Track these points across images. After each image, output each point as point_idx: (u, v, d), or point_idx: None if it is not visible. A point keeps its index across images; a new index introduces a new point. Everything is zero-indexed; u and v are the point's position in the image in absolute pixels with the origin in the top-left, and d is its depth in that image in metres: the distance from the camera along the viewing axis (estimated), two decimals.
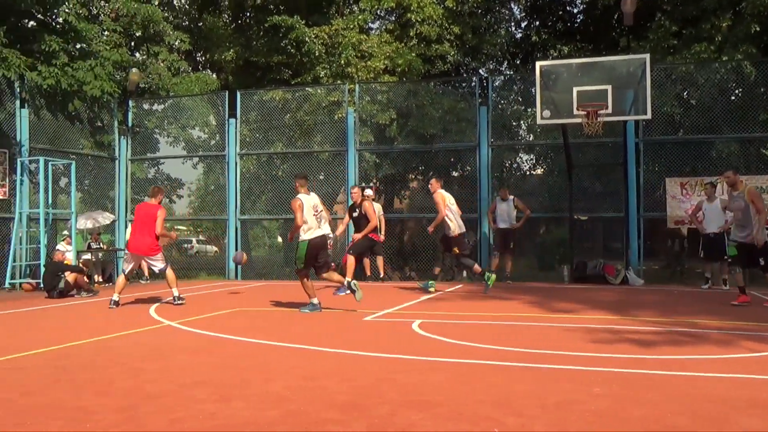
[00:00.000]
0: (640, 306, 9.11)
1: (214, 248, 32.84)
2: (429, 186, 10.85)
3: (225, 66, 18.84)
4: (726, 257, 11.72)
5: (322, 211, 8.49)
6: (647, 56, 11.75)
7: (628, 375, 4.82)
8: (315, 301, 8.60)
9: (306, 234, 8.27)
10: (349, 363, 5.33)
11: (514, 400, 4.09)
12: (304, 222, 8.22)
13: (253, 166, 15.85)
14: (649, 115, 11.54)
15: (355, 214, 11.21)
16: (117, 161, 15.85)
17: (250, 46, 17.71)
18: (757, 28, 13.90)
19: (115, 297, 9.20)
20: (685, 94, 14.38)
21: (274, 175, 15.89)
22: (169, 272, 9.49)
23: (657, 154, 13.61)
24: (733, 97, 14.09)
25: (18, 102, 13.20)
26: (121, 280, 9.46)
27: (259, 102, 15.59)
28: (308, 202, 8.38)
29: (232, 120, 15.32)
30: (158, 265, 9.51)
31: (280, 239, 26.94)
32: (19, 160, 13.03)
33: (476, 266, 10.62)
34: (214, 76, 19.56)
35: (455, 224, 10.43)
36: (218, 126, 16.37)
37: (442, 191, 10.61)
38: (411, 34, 16.83)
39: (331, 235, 9.07)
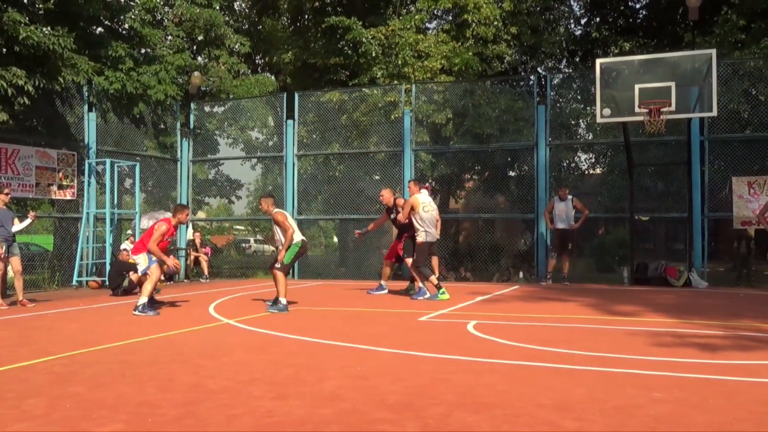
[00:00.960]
0: (704, 309, 8.83)
1: (272, 248, 33.34)
2: (408, 188, 10.28)
3: (283, 68, 19.12)
4: None
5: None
6: (713, 51, 11.38)
7: (691, 380, 4.67)
8: (284, 301, 8.76)
9: (297, 237, 8.88)
10: (403, 363, 5.33)
11: (573, 404, 4.02)
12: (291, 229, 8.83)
13: (310, 167, 16.02)
14: (714, 113, 11.17)
15: (392, 216, 10.88)
16: (179, 162, 16.26)
17: (308, 48, 17.93)
18: None
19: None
20: (753, 90, 13.85)
21: (330, 175, 16.03)
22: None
23: (723, 152, 13.16)
24: None
25: (86, 106, 13.68)
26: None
27: (317, 103, 15.75)
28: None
29: (290, 121, 15.51)
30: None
31: (336, 239, 27.16)
32: (86, 162, 13.50)
33: (432, 278, 9.84)
34: (273, 78, 19.87)
35: (424, 232, 9.78)
36: (276, 127, 16.62)
37: (420, 196, 10.00)
38: (467, 34, 16.74)
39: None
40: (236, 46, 18.00)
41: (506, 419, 3.72)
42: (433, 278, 9.78)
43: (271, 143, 17.15)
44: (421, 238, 9.76)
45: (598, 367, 5.08)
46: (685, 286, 12.15)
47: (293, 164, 15.45)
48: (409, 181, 10.58)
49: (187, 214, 9.04)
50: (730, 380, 4.67)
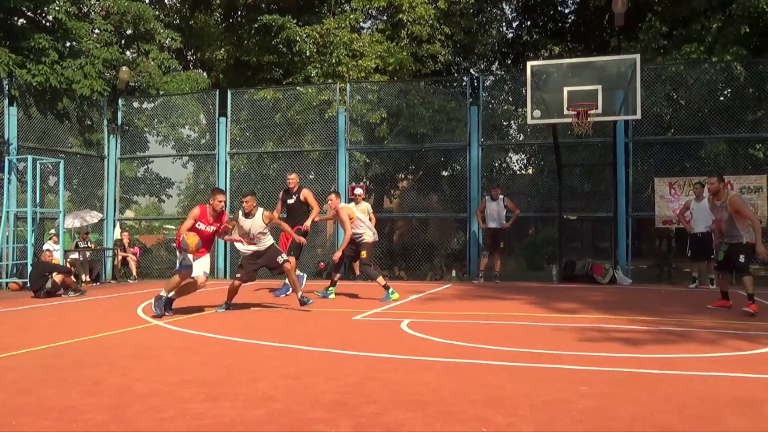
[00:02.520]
0: (628, 305, 9.14)
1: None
2: (328, 202, 10.01)
3: (216, 65, 18.80)
4: (713, 257, 11.82)
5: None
6: (637, 56, 11.80)
7: (617, 374, 4.83)
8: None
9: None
10: (336, 362, 5.31)
11: (504, 399, 4.09)
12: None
13: (243, 165, 15.80)
14: (638, 116, 11.58)
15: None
16: (106, 160, 15.77)
17: (242, 45, 17.67)
18: (747, 30, 13.99)
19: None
20: (674, 94, 14.45)
21: (264, 174, 15.85)
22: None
23: (646, 154, 13.67)
24: (722, 98, 14.16)
25: (6, 100, 13.11)
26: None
27: (250, 101, 15.55)
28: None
29: (223, 119, 15.27)
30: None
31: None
32: (7, 158, 12.93)
33: (380, 279, 9.75)
34: (205, 74, 19.50)
35: (369, 232, 9.76)
36: (208, 125, 16.31)
37: (346, 205, 10.11)
38: (402, 33, 16.84)
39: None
40: (167, 42, 17.59)
41: (439, 416, 3.75)
42: (381, 279, 9.75)
43: (203, 141, 16.82)
44: (370, 238, 9.74)
45: (528, 363, 5.19)
46: (610, 283, 12.55)
47: (226, 162, 15.22)
48: (330, 194, 10.20)
49: (220, 200, 8.38)
50: (652, 373, 4.85)
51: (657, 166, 13.39)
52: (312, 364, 5.20)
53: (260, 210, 8.61)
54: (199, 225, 8.07)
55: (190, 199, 19.31)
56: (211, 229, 8.21)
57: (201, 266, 8.21)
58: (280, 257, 8.62)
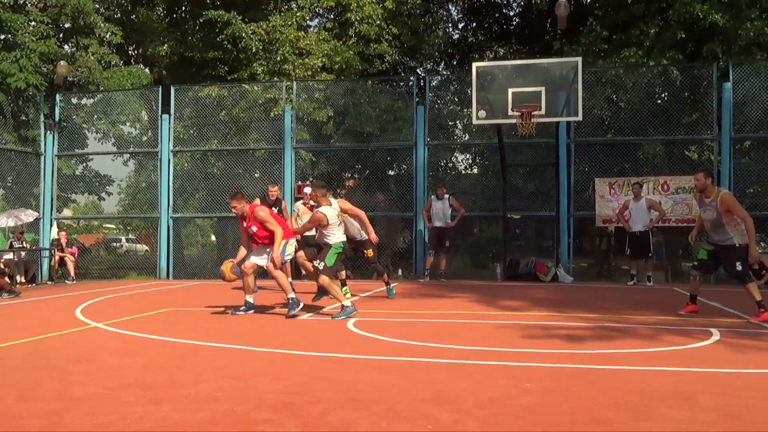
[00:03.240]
0: (569, 303, 9.35)
1: (145, 247, 32.00)
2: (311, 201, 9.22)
3: (158, 60, 18.40)
4: (650, 255, 12.20)
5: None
6: (579, 59, 12.06)
7: (558, 369, 4.93)
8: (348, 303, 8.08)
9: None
10: (281, 362, 5.27)
11: (450, 397, 4.13)
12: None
13: (186, 163, 15.52)
14: (580, 117, 11.84)
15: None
16: (42, 157, 15.27)
17: (185, 41, 17.34)
18: (683, 35, 14.45)
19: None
20: (614, 97, 14.83)
21: (208, 172, 15.60)
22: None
23: (587, 154, 14.00)
24: (659, 101, 14.61)
25: None
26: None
27: (194, 98, 15.28)
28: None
29: (166, 116, 14.97)
30: None
31: (213, 238, 26.47)
32: None
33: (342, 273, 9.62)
34: (147, 70, 19.06)
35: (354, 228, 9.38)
36: (151, 122, 15.96)
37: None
38: (350, 32, 16.80)
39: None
40: (107, 36, 17.13)
41: (385, 415, 3.76)
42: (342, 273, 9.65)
43: (145, 138, 16.45)
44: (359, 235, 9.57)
45: (473, 361, 5.25)
46: (552, 281, 12.81)
47: (168, 160, 14.93)
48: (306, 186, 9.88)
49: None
50: (592, 369, 4.96)
51: (597, 167, 13.73)
52: (257, 365, 5.15)
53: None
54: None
55: (131, 198, 18.84)
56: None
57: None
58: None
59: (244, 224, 8.17)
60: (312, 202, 8.82)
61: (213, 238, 27.57)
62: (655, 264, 12.79)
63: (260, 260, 8.20)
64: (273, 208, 10.57)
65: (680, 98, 14.03)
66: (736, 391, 4.33)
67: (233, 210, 8.22)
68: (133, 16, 19.03)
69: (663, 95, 14.69)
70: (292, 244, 8.29)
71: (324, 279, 7.79)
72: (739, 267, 7.48)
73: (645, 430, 3.49)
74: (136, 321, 7.65)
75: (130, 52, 20.25)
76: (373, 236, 8.79)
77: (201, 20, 16.11)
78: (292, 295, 7.96)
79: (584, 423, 3.60)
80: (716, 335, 6.42)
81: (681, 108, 13.87)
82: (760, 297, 7.48)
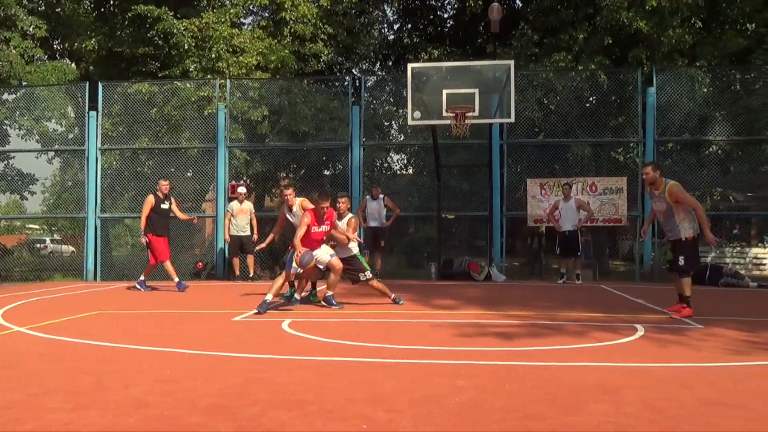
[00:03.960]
0: (502, 301, 9.53)
1: (71, 248, 30.88)
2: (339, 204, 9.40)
3: (86, 55, 17.79)
4: (579, 253, 12.57)
5: None
6: (511, 62, 12.29)
7: (491, 367, 5.02)
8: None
9: None
10: (215, 364, 5.19)
11: (384, 396, 4.15)
12: None
13: (115, 162, 15.07)
14: (512, 119, 12.07)
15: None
16: None
17: (114, 36, 16.82)
18: (610, 41, 14.94)
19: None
20: (545, 99, 15.19)
21: (138, 171, 15.19)
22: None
23: (519, 155, 14.30)
24: (587, 104, 15.05)
25: None
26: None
27: (123, 94, 14.84)
28: None
29: (93, 113, 14.50)
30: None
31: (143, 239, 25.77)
32: None
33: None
34: (74, 65, 18.41)
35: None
36: (77, 119, 15.42)
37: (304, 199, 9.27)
38: (285, 31, 16.65)
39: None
40: (30, 29, 16.46)
41: (320, 415, 3.75)
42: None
43: (71, 136, 15.87)
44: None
45: (406, 360, 5.29)
46: (486, 279, 13.02)
47: (96, 159, 14.48)
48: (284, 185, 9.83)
49: (166, 185, 8.17)
50: (524, 365, 5.07)
51: (529, 168, 14.05)
52: (190, 368, 5.05)
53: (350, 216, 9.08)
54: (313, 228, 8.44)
55: (56, 197, 18.13)
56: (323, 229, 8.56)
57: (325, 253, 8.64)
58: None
59: (307, 220, 8.39)
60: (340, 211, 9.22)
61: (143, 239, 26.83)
62: (583, 262, 13.17)
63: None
64: (164, 204, 10.71)
65: (607, 102, 14.50)
66: (658, 384, 4.51)
67: (322, 208, 8.47)
68: (59, 9, 18.34)
69: (591, 99, 15.15)
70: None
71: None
72: (681, 261, 7.69)
73: (574, 424, 3.59)
74: (61, 324, 7.38)
75: (55, 46, 19.52)
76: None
77: (130, 15, 15.66)
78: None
79: (516, 419, 3.68)
80: (641, 331, 6.66)
81: (608, 111, 14.33)
82: (690, 294, 7.73)
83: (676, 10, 14.26)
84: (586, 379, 4.60)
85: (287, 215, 9.02)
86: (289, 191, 9.00)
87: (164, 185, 11.34)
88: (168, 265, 11.26)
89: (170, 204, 11.35)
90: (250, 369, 4.99)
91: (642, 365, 5.13)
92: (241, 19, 17.97)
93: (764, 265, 16.07)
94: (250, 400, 4.03)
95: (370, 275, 9.05)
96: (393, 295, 8.99)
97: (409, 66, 12.46)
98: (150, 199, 11.18)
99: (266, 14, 18.17)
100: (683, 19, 14.71)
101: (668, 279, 12.40)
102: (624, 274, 15.56)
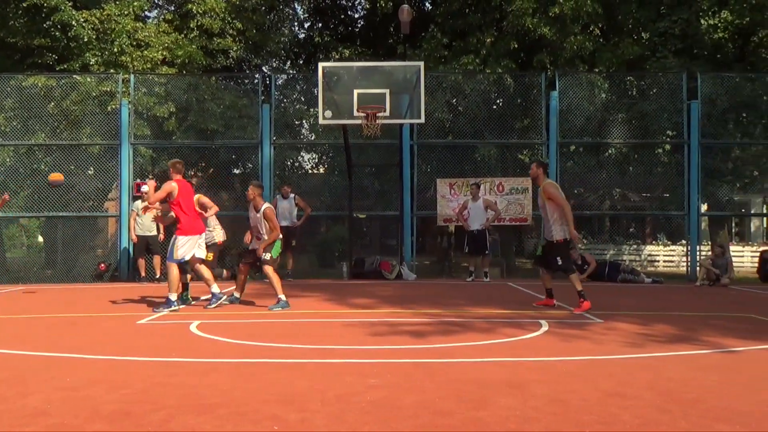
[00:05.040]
0: (413, 299, 9.65)
1: None
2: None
3: None
4: (487, 252, 12.90)
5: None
6: (421, 64, 12.44)
7: (402, 364, 5.08)
8: (283, 297, 8.50)
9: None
10: (119, 370, 5.00)
11: (296, 396, 4.12)
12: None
13: (9, 158, 14.26)
14: (422, 120, 12.24)
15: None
16: None
17: (6, 25, 15.89)
18: (516, 45, 15.39)
19: (173, 297, 8.30)
20: (454, 101, 15.49)
21: (35, 168, 14.41)
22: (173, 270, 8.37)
23: (429, 156, 14.51)
24: (494, 106, 15.45)
25: None
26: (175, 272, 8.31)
27: (17, 87, 14.03)
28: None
29: None
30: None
31: (41, 239, 24.53)
32: None
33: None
34: None
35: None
36: None
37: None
38: (192, 25, 16.22)
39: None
40: None
41: (230, 417, 3.69)
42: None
43: None
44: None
45: (318, 359, 5.28)
46: (397, 278, 13.16)
47: None
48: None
49: None
50: (433, 362, 5.17)
51: (439, 168, 14.29)
52: (91, 374, 4.84)
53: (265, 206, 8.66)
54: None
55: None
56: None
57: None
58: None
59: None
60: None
61: (40, 239, 25.52)
62: (491, 261, 13.53)
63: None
64: None
65: (513, 104, 14.94)
66: (563, 377, 4.70)
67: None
68: None
69: (498, 101, 15.56)
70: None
71: (268, 271, 8.56)
72: (559, 261, 8.16)
73: (483, 419, 3.68)
74: None
75: None
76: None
77: (25, 5, 14.83)
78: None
79: (427, 415, 3.74)
80: (545, 326, 6.90)
81: (514, 113, 14.77)
82: (581, 288, 8.15)
83: (578, 17, 14.86)
84: (495, 375, 4.73)
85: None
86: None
87: None
88: None
89: None
90: (157, 373, 4.84)
91: (547, 359, 5.32)
92: (146, 12, 17.37)
93: (658, 261, 17.02)
94: (156, 406, 3.92)
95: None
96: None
97: (320, 65, 12.41)
98: None
99: (172, 8, 17.66)
100: (584, 26, 15.34)
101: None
102: (530, 271, 16.07)
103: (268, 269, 8.57)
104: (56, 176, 10.65)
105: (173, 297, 8.26)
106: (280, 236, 8.77)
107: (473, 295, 10.19)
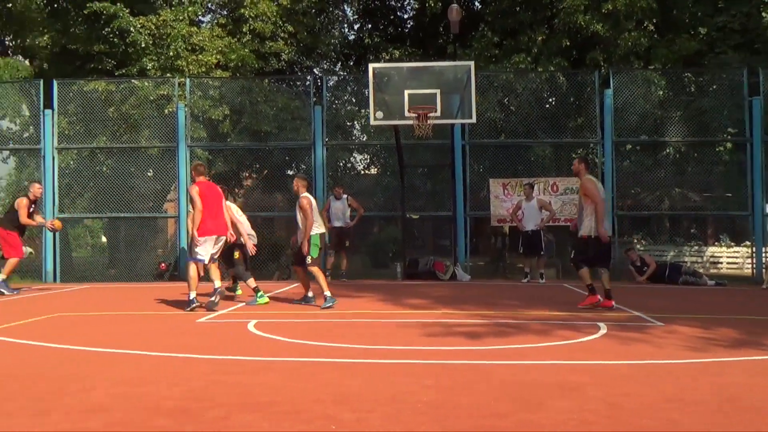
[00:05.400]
0: (467, 300, 9.59)
1: (29, 249, 30.12)
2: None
3: (39, 52, 17.37)
4: (542, 253, 12.73)
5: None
6: (472, 63, 12.32)
7: (457, 366, 5.05)
8: (329, 293, 8.59)
9: (317, 229, 8.71)
10: (179, 367, 5.11)
11: (350, 396, 4.14)
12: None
13: (73, 161, 14.74)
14: (474, 119, 12.13)
15: None
16: None
17: (68, 33, 16.44)
18: (568, 43, 15.15)
19: (193, 295, 8.32)
20: (506, 100, 15.34)
21: (97, 170, 14.88)
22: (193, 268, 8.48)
23: (481, 156, 14.41)
24: (547, 105, 15.24)
25: None
26: (194, 272, 8.47)
27: (80, 92, 14.52)
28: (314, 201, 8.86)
29: (49, 111, 14.17)
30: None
31: (104, 239, 25.27)
32: None
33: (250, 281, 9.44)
34: (27, 62, 17.95)
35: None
36: (32, 117, 15.05)
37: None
38: (244, 29, 16.50)
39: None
40: None
41: (286, 416, 3.73)
42: (252, 281, 9.41)
43: (26, 134, 15.50)
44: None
45: (372, 360, 5.29)
46: (451, 279, 13.09)
47: (53, 158, 14.14)
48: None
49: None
50: (489, 364, 5.12)
51: (491, 168, 14.16)
52: (153, 370, 4.97)
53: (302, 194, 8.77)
54: None
55: (11, 197, 17.72)
56: None
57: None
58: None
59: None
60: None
61: (104, 239, 26.27)
62: (546, 261, 13.34)
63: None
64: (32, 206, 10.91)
65: (566, 103, 14.70)
66: (621, 381, 4.60)
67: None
68: (10, 5, 17.86)
69: (551, 100, 15.35)
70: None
71: (313, 270, 8.69)
72: (572, 254, 8.43)
73: (537, 421, 3.63)
74: (19, 327, 7.19)
75: (7, 42, 19.02)
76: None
77: (85, 12, 15.32)
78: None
79: (482, 416, 3.71)
80: (603, 329, 6.77)
81: (567, 112, 14.54)
82: (590, 282, 8.31)
83: (631, 13, 14.54)
84: (550, 377, 4.66)
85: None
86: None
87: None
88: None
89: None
90: (215, 371, 4.93)
91: (604, 363, 5.22)
92: (200, 17, 17.75)
93: (721, 263, 16.48)
94: (214, 403, 3.99)
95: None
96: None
97: (371, 66, 12.41)
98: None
99: (225, 12, 17.99)
100: (638, 22, 15.00)
101: (628, 278, 12.71)
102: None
103: (313, 269, 8.70)
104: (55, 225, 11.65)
105: (192, 295, 8.34)
106: (319, 233, 8.76)
107: (528, 297, 10.06)
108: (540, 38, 15.61)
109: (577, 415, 3.73)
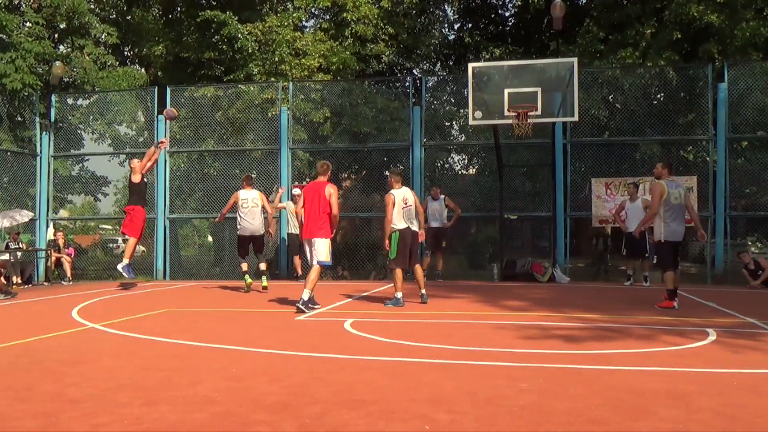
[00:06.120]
0: (566, 303, 9.35)
1: (141, 248, 31.91)
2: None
3: (154, 61, 18.39)
4: (647, 255, 12.23)
5: (411, 205, 8.99)
6: (575, 60, 12.03)
7: (555, 370, 4.94)
8: (399, 295, 8.82)
9: (396, 226, 8.85)
10: (279, 363, 5.27)
11: (445, 397, 4.13)
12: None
13: (183, 164, 15.51)
14: (576, 117, 11.82)
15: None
16: (38, 158, 15.24)
17: (181, 41, 17.33)
18: (679, 36, 14.49)
19: (306, 295, 8.26)
20: (610, 97, 14.85)
21: (205, 173, 15.58)
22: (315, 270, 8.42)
23: (583, 155, 14.00)
24: (655, 101, 14.63)
25: None
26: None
27: (190, 98, 15.26)
28: (399, 196, 8.90)
29: (162, 116, 14.96)
30: (318, 256, 8.36)
31: (210, 238, 26.40)
32: None
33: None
34: (143, 71, 19.03)
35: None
36: (147, 122, 15.94)
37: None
38: (346, 33, 16.81)
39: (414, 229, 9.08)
40: (103, 36, 17.11)
41: (382, 415, 3.76)
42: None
43: (141, 139, 16.44)
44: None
45: (469, 361, 5.25)
46: (549, 281, 12.82)
47: (165, 161, 14.91)
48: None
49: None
50: (588, 369, 4.97)
51: (593, 167, 13.74)
52: (254, 366, 5.15)
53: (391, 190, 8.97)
54: None
55: (127, 198, 18.88)
56: None
57: None
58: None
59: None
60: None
61: (210, 238, 27.48)
62: (651, 264, 12.80)
63: None
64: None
65: (676, 99, 14.05)
66: (731, 390, 4.35)
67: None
68: (129, 17, 19.02)
69: (659, 96, 14.72)
70: None
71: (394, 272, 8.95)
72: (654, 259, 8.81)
73: (640, 430, 3.50)
74: (132, 322, 7.64)
75: (125, 52, 20.24)
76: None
77: (197, 20, 16.09)
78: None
79: (580, 423, 3.61)
80: (712, 335, 6.43)
81: (677, 108, 13.89)
82: (671, 287, 8.36)
83: (750, 2, 13.72)
84: (654, 384, 4.47)
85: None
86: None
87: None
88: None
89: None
90: (313, 368, 5.05)
91: (713, 371, 4.95)
92: (303, 22, 18.23)
93: None
94: (313, 399, 4.09)
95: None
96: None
97: (470, 65, 12.35)
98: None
99: (328, 17, 18.38)
100: (757, 11, 14.13)
101: (741, 282, 12.02)
102: (695, 276, 15.05)
103: (393, 269, 8.99)
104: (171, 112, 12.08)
105: (306, 295, 8.42)
106: (396, 229, 8.79)
107: (631, 300, 9.69)
108: (649, 31, 15.02)
109: (684, 426, 3.56)
